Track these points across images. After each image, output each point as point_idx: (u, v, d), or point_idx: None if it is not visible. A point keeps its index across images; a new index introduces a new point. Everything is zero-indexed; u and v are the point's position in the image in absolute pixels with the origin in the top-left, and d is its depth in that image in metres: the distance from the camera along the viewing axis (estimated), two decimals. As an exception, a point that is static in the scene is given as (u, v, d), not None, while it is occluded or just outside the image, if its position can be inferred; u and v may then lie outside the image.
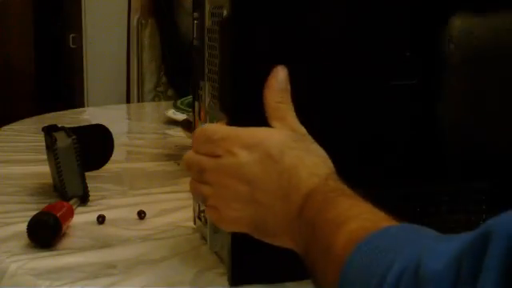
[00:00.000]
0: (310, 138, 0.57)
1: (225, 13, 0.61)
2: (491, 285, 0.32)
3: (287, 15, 0.61)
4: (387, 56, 0.64)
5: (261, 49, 0.60)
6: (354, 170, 0.54)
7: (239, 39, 0.60)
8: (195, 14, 0.70)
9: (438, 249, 0.37)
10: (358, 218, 0.47)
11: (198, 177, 0.59)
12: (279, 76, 0.58)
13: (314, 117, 0.60)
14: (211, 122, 0.66)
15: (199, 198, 0.62)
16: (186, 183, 0.63)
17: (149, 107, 2.24)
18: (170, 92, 2.92)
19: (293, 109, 0.58)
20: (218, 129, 0.58)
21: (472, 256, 0.34)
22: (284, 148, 0.54)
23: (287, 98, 0.58)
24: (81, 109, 2.24)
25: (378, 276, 0.39)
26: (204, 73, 0.68)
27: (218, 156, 0.57)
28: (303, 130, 0.57)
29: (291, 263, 0.55)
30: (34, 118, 1.55)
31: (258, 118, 0.58)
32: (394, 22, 0.64)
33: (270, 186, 0.54)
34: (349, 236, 0.45)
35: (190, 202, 0.77)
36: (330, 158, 0.57)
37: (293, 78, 0.59)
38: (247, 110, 0.60)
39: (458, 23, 0.65)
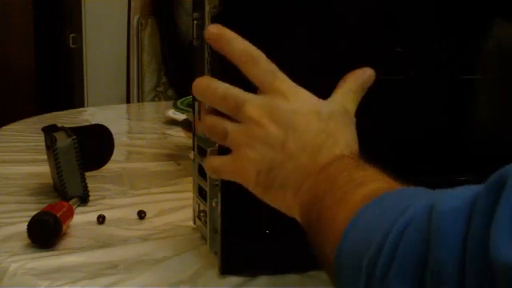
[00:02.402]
0: (354, 120, 0.58)
1: (214, 11, 0.62)
2: (507, 218, 0.32)
3: (277, 10, 0.61)
4: (378, 51, 0.64)
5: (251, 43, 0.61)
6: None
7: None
8: (195, 14, 0.70)
9: (453, 192, 0.38)
10: (382, 180, 0.48)
11: (232, 110, 0.57)
12: (366, 74, 0.60)
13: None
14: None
15: (217, 132, 0.58)
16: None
17: (149, 107, 2.24)
18: (169, 92, 2.93)
19: (357, 97, 0.59)
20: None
21: (488, 194, 0.34)
22: (333, 113, 0.56)
23: (359, 88, 0.59)
24: (81, 109, 2.24)
25: (391, 220, 0.40)
26: (204, 73, 0.68)
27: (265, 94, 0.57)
28: (353, 113, 0.59)
29: (283, 255, 0.56)
30: (34, 118, 1.55)
31: None
32: (386, 17, 0.64)
33: (305, 137, 0.55)
34: (369, 192, 0.46)
35: (190, 202, 0.77)
36: None
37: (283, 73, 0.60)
38: None
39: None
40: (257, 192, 0.57)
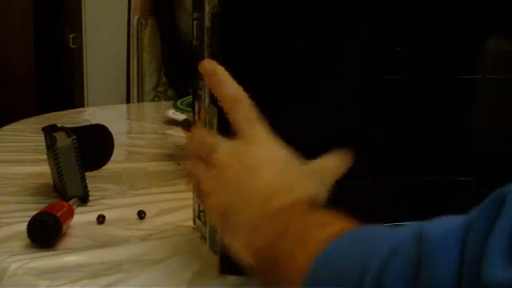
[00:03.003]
0: (318, 188, 0.57)
1: (213, 10, 0.62)
2: (502, 245, 0.31)
3: (276, 10, 0.61)
4: (378, 51, 0.64)
5: (249, 43, 0.61)
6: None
7: (227, 33, 0.61)
8: (195, 14, 0.70)
9: (438, 221, 0.37)
10: (343, 222, 0.47)
11: (207, 155, 0.58)
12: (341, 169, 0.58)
13: (304, 112, 0.60)
14: (211, 122, 0.66)
15: (195, 178, 0.61)
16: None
17: (149, 107, 2.24)
18: (170, 92, 2.93)
19: (325, 181, 0.57)
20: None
21: (484, 218, 0.34)
22: (297, 166, 0.56)
23: (330, 175, 0.58)
24: (81, 109, 2.24)
25: (370, 252, 0.39)
26: (204, 73, 0.68)
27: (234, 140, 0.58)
28: (316, 190, 0.57)
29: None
30: (34, 118, 1.55)
31: None
32: (386, 17, 0.64)
33: (262, 182, 0.55)
34: (330, 233, 0.45)
35: (190, 201, 0.77)
36: (321, 151, 0.58)
37: (282, 73, 0.60)
38: None
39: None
40: (222, 235, 0.57)
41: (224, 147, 0.58)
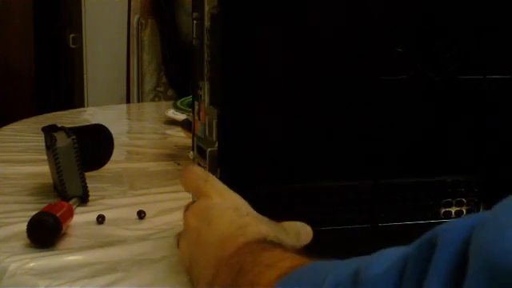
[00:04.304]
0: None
1: (213, 11, 0.62)
2: (437, 285, 0.31)
3: (276, 10, 0.61)
4: (378, 51, 0.64)
5: (249, 44, 0.61)
6: (346, 164, 0.54)
7: (227, 34, 0.61)
8: (195, 14, 0.70)
9: (378, 258, 0.37)
10: (291, 258, 0.47)
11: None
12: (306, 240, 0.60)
13: (305, 112, 0.60)
14: (210, 121, 0.66)
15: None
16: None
17: (149, 107, 2.24)
18: (170, 92, 2.93)
19: (289, 240, 0.58)
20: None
21: (418, 258, 0.33)
22: (252, 213, 0.58)
23: (295, 240, 0.59)
24: (81, 109, 2.24)
25: None
26: (204, 73, 0.68)
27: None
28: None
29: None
30: (34, 118, 1.55)
31: (247, 111, 0.60)
32: (386, 17, 0.64)
33: (216, 230, 0.56)
34: (280, 271, 0.45)
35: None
36: (322, 151, 0.59)
37: (283, 74, 0.60)
38: (236, 103, 0.62)
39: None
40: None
41: (191, 208, 0.61)
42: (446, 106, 0.67)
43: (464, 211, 0.69)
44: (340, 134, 0.64)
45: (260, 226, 0.56)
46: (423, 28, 0.65)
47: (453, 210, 0.68)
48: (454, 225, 0.33)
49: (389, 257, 0.36)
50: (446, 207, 0.68)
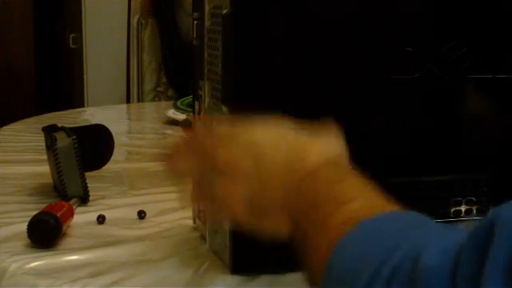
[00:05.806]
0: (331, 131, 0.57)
1: (224, 11, 0.62)
2: (498, 277, 0.30)
3: (287, 10, 0.61)
4: (388, 51, 0.64)
5: (260, 44, 0.61)
6: (356, 163, 0.54)
7: (239, 33, 0.61)
8: (195, 14, 0.70)
9: (440, 243, 0.36)
10: (364, 198, 0.47)
11: (210, 162, 0.57)
12: None
13: (316, 110, 0.60)
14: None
15: (211, 209, 0.62)
16: (185, 183, 0.63)
17: (149, 107, 2.24)
18: (170, 92, 2.92)
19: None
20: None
21: (474, 249, 0.32)
22: (299, 131, 0.55)
23: None
24: (81, 109, 2.24)
25: (376, 263, 0.38)
26: (204, 73, 0.68)
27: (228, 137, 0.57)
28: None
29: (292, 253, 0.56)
30: (34, 118, 1.55)
31: (258, 110, 0.59)
32: (395, 17, 0.64)
33: (276, 156, 0.54)
34: (350, 214, 0.45)
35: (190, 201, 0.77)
36: None
37: (293, 71, 0.59)
38: (248, 100, 0.62)
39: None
40: (250, 226, 0.56)
41: (223, 148, 0.57)
42: (455, 105, 0.67)
43: (474, 210, 0.68)
44: (350, 132, 0.64)
45: (316, 143, 0.54)
46: (433, 27, 0.65)
47: (463, 208, 0.68)
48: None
49: (448, 245, 0.35)
50: (455, 206, 0.68)
